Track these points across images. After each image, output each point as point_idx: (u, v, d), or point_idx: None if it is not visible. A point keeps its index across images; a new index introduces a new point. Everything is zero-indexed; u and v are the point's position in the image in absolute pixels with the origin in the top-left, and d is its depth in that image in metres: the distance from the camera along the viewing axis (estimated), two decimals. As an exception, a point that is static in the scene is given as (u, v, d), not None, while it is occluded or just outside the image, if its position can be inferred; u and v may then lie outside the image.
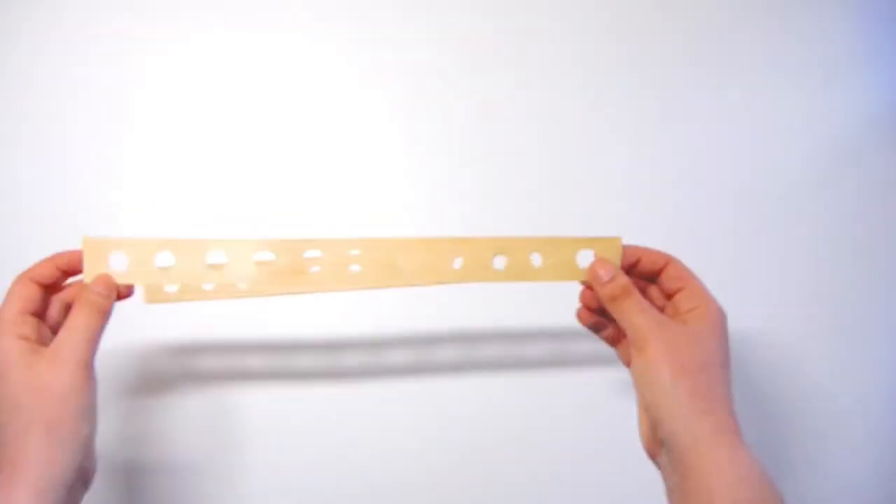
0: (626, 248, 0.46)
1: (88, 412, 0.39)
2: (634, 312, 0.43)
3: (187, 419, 0.55)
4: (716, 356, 0.42)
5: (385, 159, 0.58)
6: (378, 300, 0.53)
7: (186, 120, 0.58)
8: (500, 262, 0.46)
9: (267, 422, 0.55)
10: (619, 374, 0.56)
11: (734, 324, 0.57)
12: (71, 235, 0.56)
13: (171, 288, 0.46)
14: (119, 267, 0.43)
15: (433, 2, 0.60)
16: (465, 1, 0.60)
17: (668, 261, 0.45)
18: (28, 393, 0.38)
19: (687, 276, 0.44)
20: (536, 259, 0.46)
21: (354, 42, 0.59)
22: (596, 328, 0.47)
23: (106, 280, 0.42)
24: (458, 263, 0.46)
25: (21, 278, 0.42)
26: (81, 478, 0.39)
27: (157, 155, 0.58)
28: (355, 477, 0.55)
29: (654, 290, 0.46)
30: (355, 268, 0.45)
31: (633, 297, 0.43)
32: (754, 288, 0.58)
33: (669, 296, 0.45)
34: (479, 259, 0.46)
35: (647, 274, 0.46)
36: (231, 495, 0.54)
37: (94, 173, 0.57)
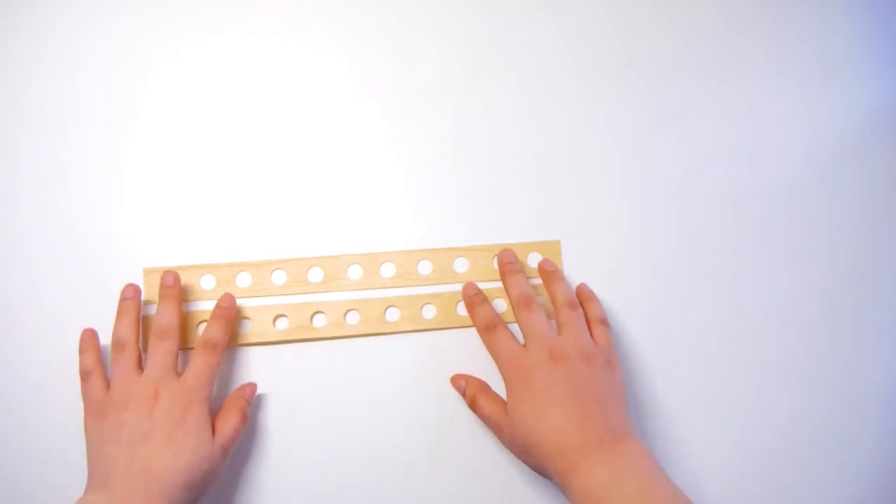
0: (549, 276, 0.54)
1: (209, 485, 0.48)
2: (506, 343, 0.51)
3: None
4: (582, 388, 0.48)
5: (383, 166, 0.58)
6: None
7: (183, 125, 0.58)
8: (461, 266, 0.57)
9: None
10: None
11: (734, 324, 0.57)
12: (70, 242, 0.56)
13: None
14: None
15: (431, 4, 0.60)
16: (463, 2, 0.61)
17: (595, 319, 0.53)
18: (196, 457, 0.47)
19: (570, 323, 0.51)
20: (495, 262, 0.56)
21: (352, 43, 0.60)
22: None
23: (253, 390, 0.53)
24: (429, 313, 0.56)
25: (170, 334, 0.50)
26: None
27: (156, 163, 0.58)
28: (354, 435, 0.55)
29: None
30: (352, 320, 0.55)
31: (503, 330, 0.52)
32: (754, 288, 0.58)
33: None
34: (448, 304, 0.56)
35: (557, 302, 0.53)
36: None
37: (93, 180, 0.57)
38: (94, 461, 0.46)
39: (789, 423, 0.56)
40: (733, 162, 0.59)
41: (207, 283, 0.55)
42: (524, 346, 0.50)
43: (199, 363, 0.50)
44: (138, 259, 0.55)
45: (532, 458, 0.48)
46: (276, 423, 0.54)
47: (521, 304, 0.52)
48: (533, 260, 0.57)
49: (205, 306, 0.55)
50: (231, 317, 0.53)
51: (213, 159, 0.58)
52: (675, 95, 0.60)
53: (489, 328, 0.52)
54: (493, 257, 0.56)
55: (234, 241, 0.57)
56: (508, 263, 0.55)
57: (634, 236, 0.58)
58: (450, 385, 0.54)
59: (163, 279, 0.53)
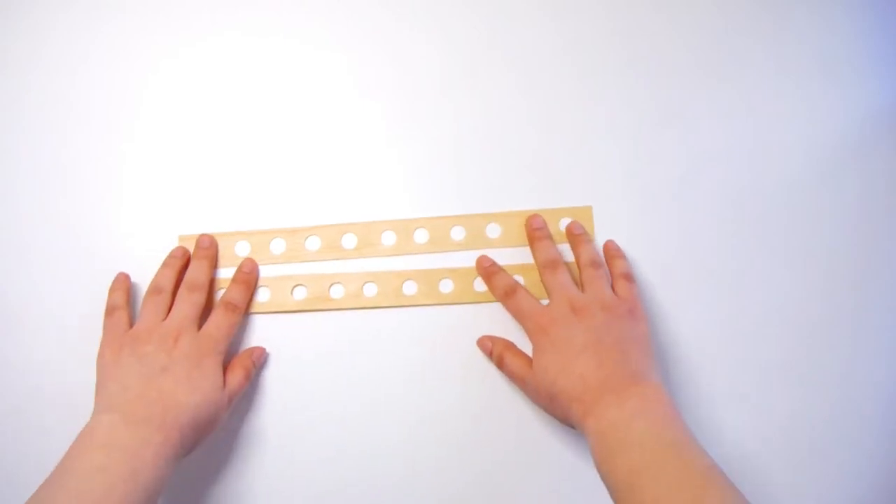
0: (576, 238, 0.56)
1: (213, 429, 0.50)
2: (527, 304, 0.53)
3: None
4: (603, 337, 0.49)
5: (382, 166, 0.58)
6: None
7: (183, 125, 0.58)
8: (493, 231, 0.57)
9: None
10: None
11: (734, 324, 0.57)
12: (70, 242, 0.56)
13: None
14: None
15: (431, 4, 0.60)
16: (463, 2, 0.61)
17: (620, 275, 0.54)
18: (209, 398, 0.49)
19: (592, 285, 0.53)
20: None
21: (352, 43, 0.60)
22: None
23: (262, 353, 0.55)
24: (447, 287, 0.56)
25: (199, 289, 0.53)
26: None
27: (156, 163, 0.58)
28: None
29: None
30: (369, 292, 0.56)
31: (522, 291, 0.53)
32: (754, 288, 0.58)
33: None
34: (465, 279, 0.57)
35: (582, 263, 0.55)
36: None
37: (93, 180, 0.57)
38: (105, 390, 0.48)
39: (789, 423, 0.56)
40: (733, 162, 0.59)
41: (242, 249, 0.56)
42: (548, 304, 0.52)
43: (219, 319, 0.52)
44: (138, 259, 0.56)
45: (556, 408, 0.49)
46: (288, 392, 0.55)
47: (548, 266, 0.53)
48: (565, 225, 0.57)
49: (225, 275, 0.56)
50: (251, 282, 0.55)
51: (213, 160, 0.58)
52: (675, 95, 0.60)
53: (508, 293, 0.53)
54: (525, 222, 0.57)
55: (237, 243, 0.57)
56: (537, 229, 0.56)
57: (634, 236, 0.58)
58: (463, 358, 0.56)
59: (199, 241, 0.56)
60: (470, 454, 0.55)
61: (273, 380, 0.55)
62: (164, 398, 0.47)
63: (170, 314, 0.51)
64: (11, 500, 0.51)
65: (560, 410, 0.49)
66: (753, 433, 0.56)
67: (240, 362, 0.53)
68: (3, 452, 0.53)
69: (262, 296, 0.56)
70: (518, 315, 0.53)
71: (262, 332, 0.56)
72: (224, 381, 0.51)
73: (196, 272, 0.54)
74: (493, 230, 0.58)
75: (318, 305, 0.56)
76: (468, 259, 0.57)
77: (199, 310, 0.52)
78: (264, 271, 0.56)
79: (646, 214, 0.58)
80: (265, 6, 0.60)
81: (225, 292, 0.54)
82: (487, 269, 0.56)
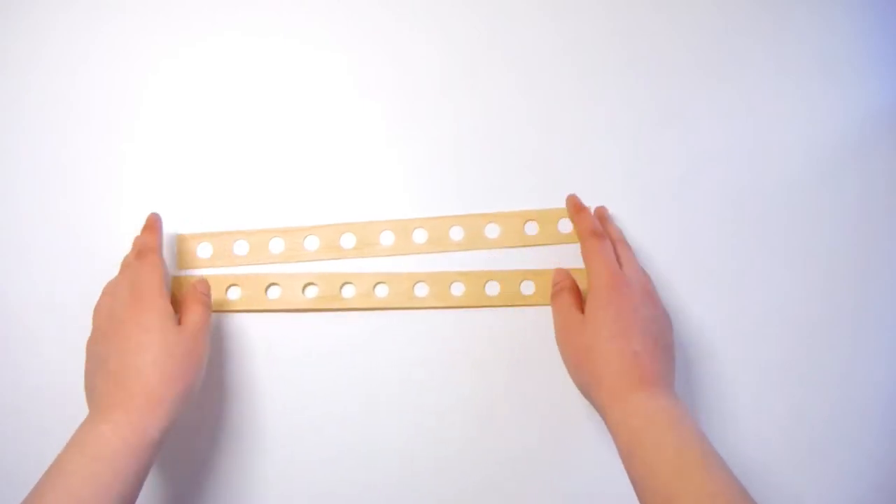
0: (600, 211, 0.57)
1: (196, 374, 0.48)
2: (601, 257, 0.51)
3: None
4: (605, 334, 0.48)
5: (382, 166, 0.59)
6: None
7: (183, 125, 0.58)
8: (492, 231, 0.58)
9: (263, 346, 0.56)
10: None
11: (734, 324, 0.57)
12: (70, 242, 0.56)
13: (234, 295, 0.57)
14: (204, 255, 0.56)
15: (431, 4, 0.60)
16: (463, 2, 0.61)
17: (619, 239, 0.55)
18: (174, 355, 0.46)
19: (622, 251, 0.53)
20: (532, 228, 0.58)
21: (352, 43, 0.60)
22: None
23: (207, 284, 0.53)
24: (458, 290, 0.57)
25: (155, 256, 0.50)
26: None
27: (156, 164, 0.58)
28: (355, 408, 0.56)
29: None
30: (381, 293, 0.57)
31: (605, 241, 0.52)
32: (754, 288, 0.58)
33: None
34: (476, 283, 0.57)
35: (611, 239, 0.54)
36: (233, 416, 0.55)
37: (93, 180, 0.57)
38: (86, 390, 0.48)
39: (789, 423, 0.56)
40: (733, 162, 0.59)
41: (240, 248, 0.56)
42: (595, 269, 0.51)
43: (139, 268, 0.50)
44: (138, 259, 0.55)
45: (587, 367, 0.49)
46: (289, 392, 0.55)
47: (595, 235, 0.53)
48: (563, 226, 0.58)
49: (237, 271, 0.56)
50: (157, 227, 0.54)
51: (213, 160, 0.58)
52: (675, 95, 0.60)
53: (596, 234, 0.53)
54: (525, 223, 0.57)
55: (235, 242, 0.57)
56: (576, 205, 0.56)
57: (634, 236, 0.58)
58: (466, 361, 0.56)
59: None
60: (470, 457, 0.55)
61: (273, 380, 0.55)
62: (115, 369, 0.46)
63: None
64: (11, 500, 0.51)
65: (586, 373, 0.48)
66: (753, 433, 0.56)
67: (191, 298, 0.51)
68: (3, 452, 0.53)
69: (273, 293, 0.56)
70: (593, 259, 0.52)
71: (262, 332, 0.56)
72: (180, 321, 0.49)
73: (141, 239, 0.52)
74: (492, 230, 0.58)
75: (328, 305, 0.56)
76: (468, 259, 0.57)
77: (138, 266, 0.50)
78: (273, 269, 0.56)
79: (646, 214, 0.58)
80: (265, 6, 0.60)
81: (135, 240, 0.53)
82: (578, 205, 0.56)
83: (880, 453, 0.56)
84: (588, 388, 0.49)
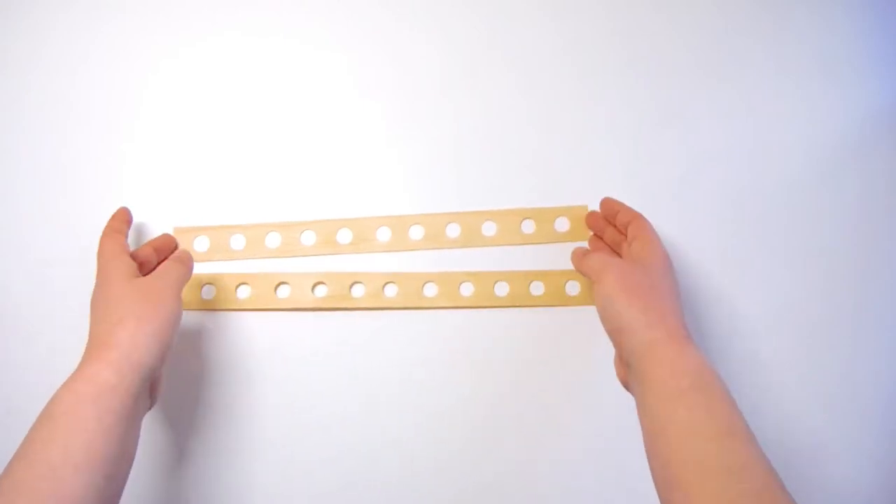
0: (608, 202, 0.56)
1: (171, 324, 0.47)
2: (590, 259, 0.52)
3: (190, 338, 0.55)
4: (662, 282, 0.49)
5: (382, 166, 0.59)
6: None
7: (183, 125, 0.58)
8: (489, 228, 0.57)
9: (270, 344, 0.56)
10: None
11: (734, 324, 0.57)
12: (70, 242, 0.56)
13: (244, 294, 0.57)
14: (201, 248, 0.57)
15: (431, 4, 0.60)
16: (463, 2, 0.61)
17: (635, 216, 0.54)
18: (129, 295, 0.46)
19: (644, 228, 0.52)
20: (528, 226, 0.58)
21: (352, 43, 0.60)
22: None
23: (189, 252, 0.53)
24: (467, 290, 0.57)
25: (120, 245, 0.50)
26: (150, 391, 0.47)
27: (156, 164, 0.58)
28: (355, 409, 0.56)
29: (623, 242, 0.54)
30: (390, 293, 0.57)
31: (588, 254, 0.53)
32: (754, 288, 0.58)
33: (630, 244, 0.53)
34: (485, 283, 0.57)
35: (622, 225, 0.54)
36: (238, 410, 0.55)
37: (93, 180, 0.57)
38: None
39: (789, 423, 0.56)
40: (733, 162, 0.59)
41: (237, 242, 0.57)
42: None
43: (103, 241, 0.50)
44: (138, 259, 0.55)
45: (654, 303, 0.47)
46: (289, 392, 0.55)
47: (641, 216, 0.54)
48: (560, 225, 0.58)
49: (235, 267, 0.57)
50: (127, 217, 0.54)
51: (212, 161, 0.58)
52: (675, 95, 0.60)
53: (642, 215, 0.54)
54: (521, 221, 0.58)
55: (232, 236, 0.57)
56: (612, 207, 0.56)
57: (634, 236, 0.58)
58: (468, 361, 0.56)
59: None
60: (471, 457, 0.55)
61: (274, 380, 0.56)
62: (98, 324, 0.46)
63: None
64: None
65: (656, 306, 0.47)
66: (757, 433, 0.56)
67: (172, 257, 0.52)
68: (3, 452, 0.53)
69: (281, 292, 0.56)
70: (651, 232, 0.52)
71: (262, 331, 0.56)
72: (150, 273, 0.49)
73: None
74: (489, 228, 0.58)
75: (337, 304, 0.56)
76: (466, 258, 0.57)
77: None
78: (285, 267, 0.57)
79: (646, 214, 0.58)
80: (265, 6, 0.60)
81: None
82: (614, 207, 0.55)
83: (880, 453, 0.56)
84: (648, 326, 0.47)
